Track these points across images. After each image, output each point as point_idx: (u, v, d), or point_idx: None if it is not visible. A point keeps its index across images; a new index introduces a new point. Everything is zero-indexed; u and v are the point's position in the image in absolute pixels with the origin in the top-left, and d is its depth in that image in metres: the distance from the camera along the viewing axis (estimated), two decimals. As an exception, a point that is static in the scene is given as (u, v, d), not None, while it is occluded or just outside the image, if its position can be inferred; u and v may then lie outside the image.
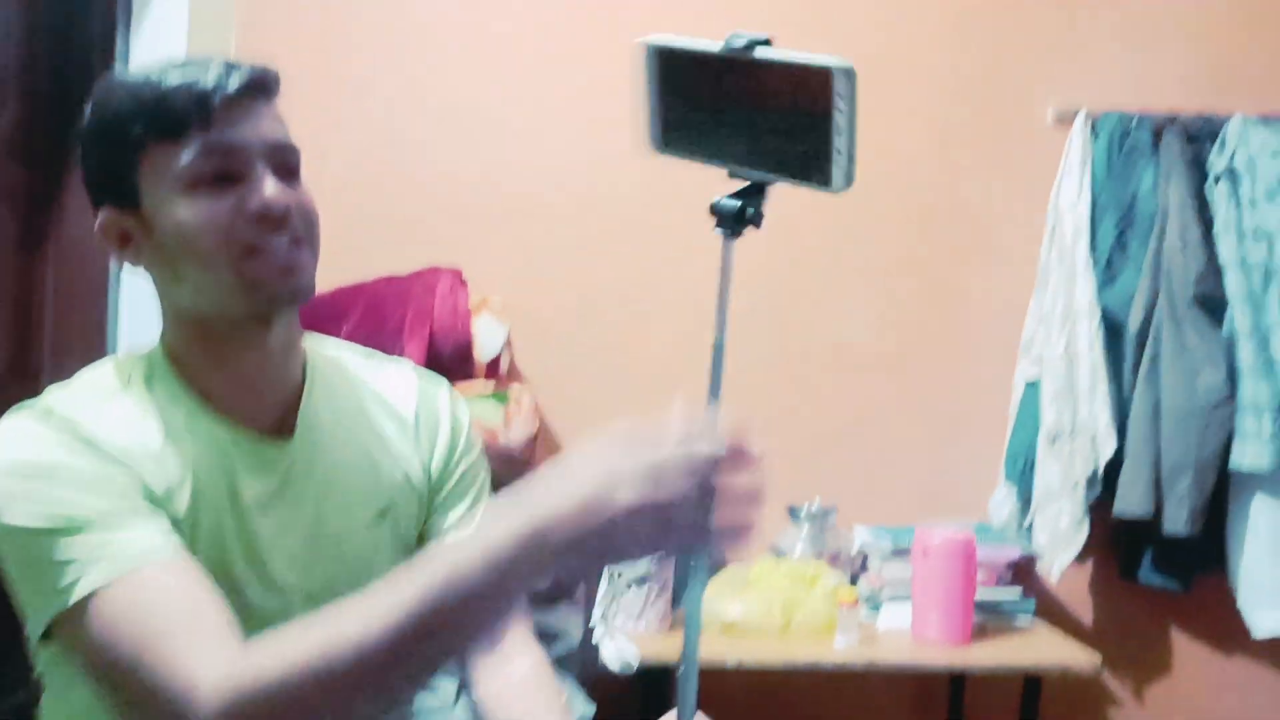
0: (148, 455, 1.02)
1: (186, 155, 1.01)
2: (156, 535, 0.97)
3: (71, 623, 0.94)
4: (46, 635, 0.97)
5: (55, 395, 1.04)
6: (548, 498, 0.79)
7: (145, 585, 0.94)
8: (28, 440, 0.99)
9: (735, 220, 0.86)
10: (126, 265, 1.08)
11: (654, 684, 2.08)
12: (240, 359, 1.08)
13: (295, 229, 1.04)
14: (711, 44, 0.81)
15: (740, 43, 0.79)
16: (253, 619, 1.08)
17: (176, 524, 1.02)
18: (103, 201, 1.07)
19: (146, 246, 1.05)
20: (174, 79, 1.02)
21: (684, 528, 0.78)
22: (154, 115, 1.02)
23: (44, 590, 0.95)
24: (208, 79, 1.02)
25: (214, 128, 1.02)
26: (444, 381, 1.27)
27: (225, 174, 1.02)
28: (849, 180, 0.78)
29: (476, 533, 0.82)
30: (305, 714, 0.86)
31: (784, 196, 0.82)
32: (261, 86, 1.06)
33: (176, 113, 1.01)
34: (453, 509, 1.20)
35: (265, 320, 1.07)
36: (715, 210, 0.86)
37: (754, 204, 0.86)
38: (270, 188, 1.03)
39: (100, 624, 0.93)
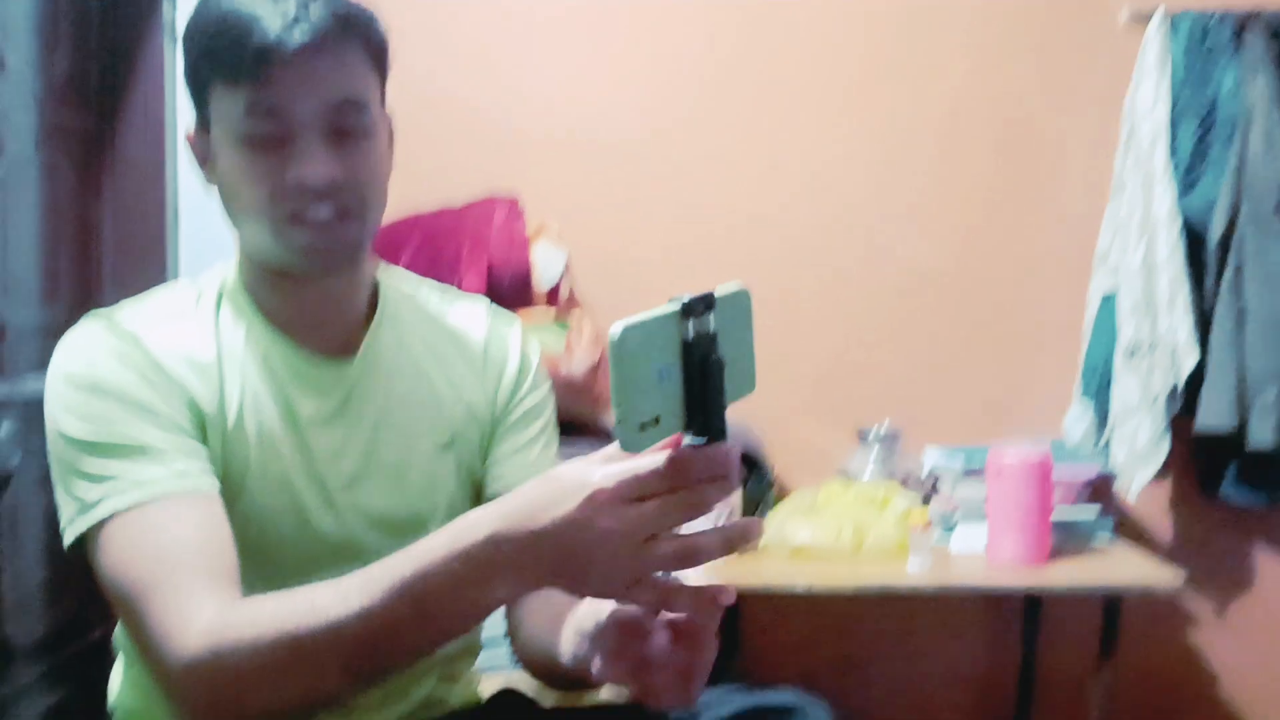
0: (201, 371, 1.04)
1: (240, 107, 1.00)
2: (190, 469, 0.98)
3: (94, 541, 0.96)
4: (78, 546, 0.98)
5: (127, 308, 1.07)
6: (516, 505, 0.78)
7: (163, 515, 0.94)
8: (91, 350, 1.01)
9: None
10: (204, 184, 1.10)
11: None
12: (302, 294, 1.09)
13: (342, 200, 1.02)
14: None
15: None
16: (319, 544, 1.07)
17: (227, 436, 1.03)
18: (195, 111, 1.08)
19: (214, 174, 1.07)
20: (243, 23, 0.98)
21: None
22: (218, 58, 1.01)
23: (75, 502, 0.97)
24: (273, 27, 0.98)
25: (271, 85, 0.99)
26: (517, 320, 1.26)
27: (275, 136, 1.01)
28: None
29: (451, 527, 0.81)
30: (275, 682, 0.86)
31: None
32: (333, 32, 1.01)
33: (237, 61, 0.99)
34: (513, 437, 1.19)
35: (304, 275, 1.06)
36: None
37: None
38: (314, 160, 1.01)
39: (116, 547, 0.94)
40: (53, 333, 1.38)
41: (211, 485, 0.99)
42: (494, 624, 1.90)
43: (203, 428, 1.02)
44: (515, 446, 1.18)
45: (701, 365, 0.73)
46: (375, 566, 0.82)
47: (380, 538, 1.08)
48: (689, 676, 0.84)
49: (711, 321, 0.75)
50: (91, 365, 1.00)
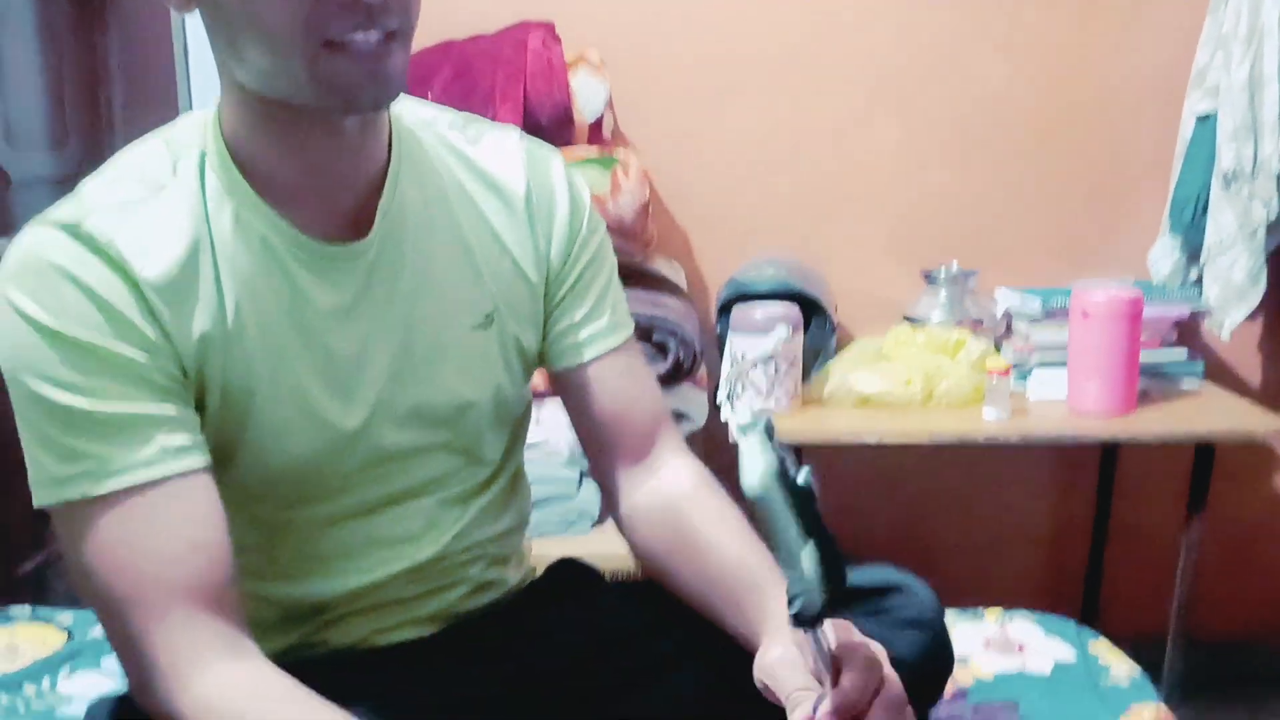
0: (190, 277, 0.86)
1: None
2: (174, 443, 0.84)
3: (62, 516, 0.83)
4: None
5: (91, 197, 0.86)
6: None
7: (146, 510, 0.82)
8: (54, 284, 0.82)
9: None
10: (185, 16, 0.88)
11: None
12: (309, 145, 0.88)
13: (389, 22, 0.81)
14: None
15: None
16: (349, 458, 0.94)
17: (229, 351, 0.87)
18: None
19: (206, 3, 0.84)
20: None
21: None
22: None
23: (41, 469, 0.83)
24: None
25: None
26: (555, 150, 1.06)
27: None
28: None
29: None
30: None
31: None
32: None
33: None
34: (575, 308, 1.02)
35: (341, 114, 0.87)
36: None
37: None
38: None
39: (91, 537, 0.82)
40: (61, 182, 1.23)
41: (200, 460, 0.85)
42: (544, 486, 1.80)
43: (202, 355, 0.86)
44: (582, 315, 1.03)
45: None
46: None
47: (418, 434, 0.96)
48: None
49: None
50: (55, 309, 0.81)
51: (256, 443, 0.89)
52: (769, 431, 0.72)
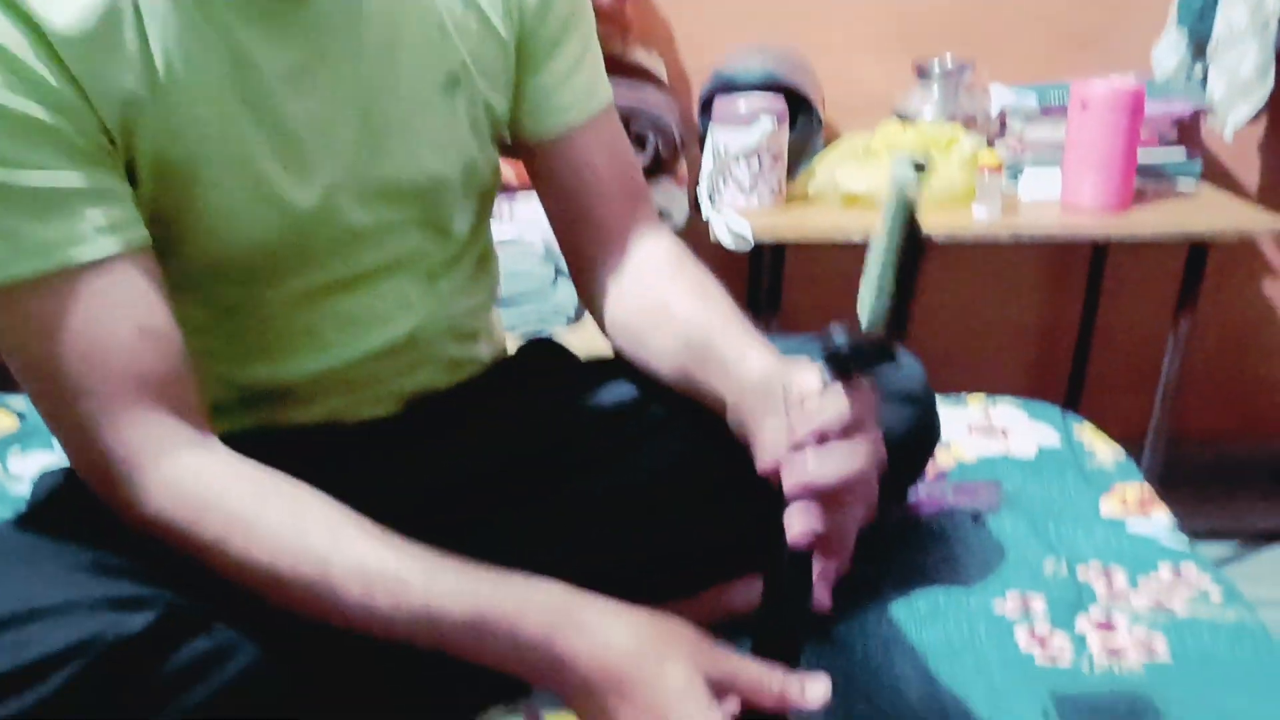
0: (114, 31, 0.74)
1: None
2: (105, 218, 0.74)
3: None
4: None
5: None
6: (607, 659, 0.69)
7: (83, 293, 0.74)
8: None
9: None
10: None
11: (770, 259, 1.91)
12: None
13: None
14: None
15: None
16: (311, 241, 0.86)
17: (170, 117, 0.77)
18: None
19: None
20: None
21: None
22: None
23: None
24: None
25: None
26: None
27: None
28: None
29: (460, 580, 0.72)
30: (230, 572, 0.76)
31: None
32: None
33: None
34: (550, 68, 0.93)
35: None
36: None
37: None
38: None
39: (26, 322, 0.74)
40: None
41: (137, 238, 0.76)
42: (519, 283, 1.75)
43: (129, 122, 0.76)
44: (557, 76, 0.94)
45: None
46: (419, 574, 0.73)
47: (384, 211, 0.88)
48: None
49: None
50: None
51: (204, 225, 0.81)
52: (918, 179, 0.70)
